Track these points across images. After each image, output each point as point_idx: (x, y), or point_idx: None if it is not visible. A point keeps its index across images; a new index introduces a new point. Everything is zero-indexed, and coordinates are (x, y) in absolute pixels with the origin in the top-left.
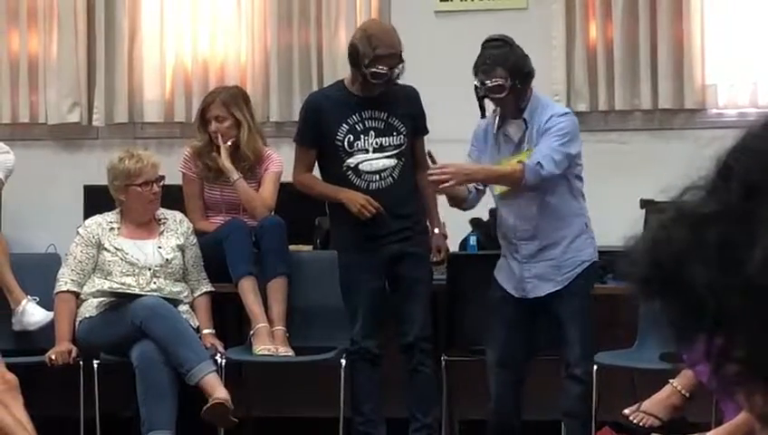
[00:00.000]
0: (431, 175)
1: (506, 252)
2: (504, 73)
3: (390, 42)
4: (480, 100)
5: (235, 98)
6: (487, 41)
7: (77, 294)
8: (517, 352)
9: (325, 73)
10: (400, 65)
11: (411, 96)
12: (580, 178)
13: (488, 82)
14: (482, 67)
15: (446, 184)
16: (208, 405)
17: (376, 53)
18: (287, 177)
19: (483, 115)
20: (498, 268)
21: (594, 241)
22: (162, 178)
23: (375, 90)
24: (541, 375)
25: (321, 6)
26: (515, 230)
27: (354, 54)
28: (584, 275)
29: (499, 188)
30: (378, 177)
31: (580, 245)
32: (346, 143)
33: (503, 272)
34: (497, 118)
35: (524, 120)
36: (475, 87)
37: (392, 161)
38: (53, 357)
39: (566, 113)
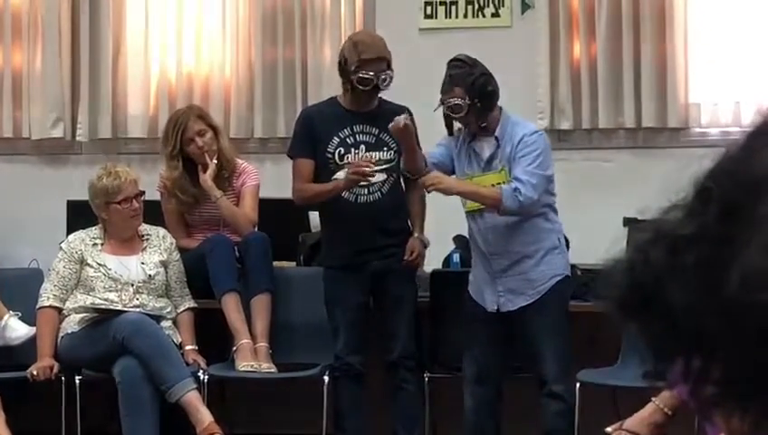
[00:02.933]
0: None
1: (479, 266)
2: (461, 93)
3: (376, 47)
4: (446, 117)
5: (202, 110)
6: (450, 60)
7: (59, 310)
8: (493, 367)
9: (310, 90)
10: (388, 72)
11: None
12: (552, 194)
13: (446, 102)
14: (443, 87)
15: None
16: None
17: (362, 58)
18: (269, 193)
19: (450, 133)
20: (471, 283)
21: (567, 256)
22: (142, 193)
23: (364, 99)
24: (522, 393)
25: (305, 22)
26: (486, 245)
27: (342, 62)
28: (557, 289)
29: (470, 205)
30: (366, 190)
31: (553, 259)
32: (336, 156)
33: (475, 286)
34: (464, 134)
35: (496, 138)
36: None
37: (381, 176)
38: (35, 373)
39: (536, 132)
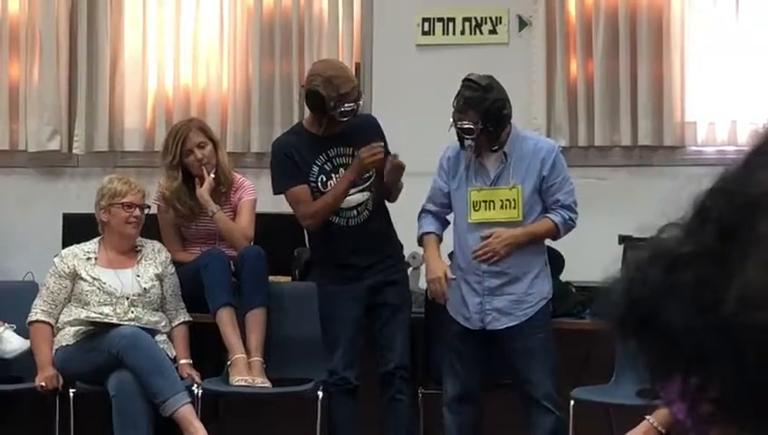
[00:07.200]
0: (478, 254)
1: (464, 282)
2: (475, 117)
3: (348, 78)
4: (458, 132)
5: (203, 123)
6: (466, 79)
7: (50, 325)
8: (476, 385)
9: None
10: (362, 96)
11: (371, 125)
12: None
13: (459, 123)
14: (456, 106)
15: (495, 259)
16: None
17: (340, 93)
18: (265, 208)
19: (462, 146)
20: (449, 302)
21: (550, 277)
22: (147, 207)
23: (339, 126)
24: (507, 407)
25: (303, 38)
26: (482, 263)
27: (318, 100)
28: (543, 310)
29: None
30: (355, 212)
31: (542, 281)
32: (320, 184)
33: (455, 304)
34: (473, 149)
35: (504, 153)
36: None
37: (365, 194)
38: (44, 384)
39: (554, 145)
